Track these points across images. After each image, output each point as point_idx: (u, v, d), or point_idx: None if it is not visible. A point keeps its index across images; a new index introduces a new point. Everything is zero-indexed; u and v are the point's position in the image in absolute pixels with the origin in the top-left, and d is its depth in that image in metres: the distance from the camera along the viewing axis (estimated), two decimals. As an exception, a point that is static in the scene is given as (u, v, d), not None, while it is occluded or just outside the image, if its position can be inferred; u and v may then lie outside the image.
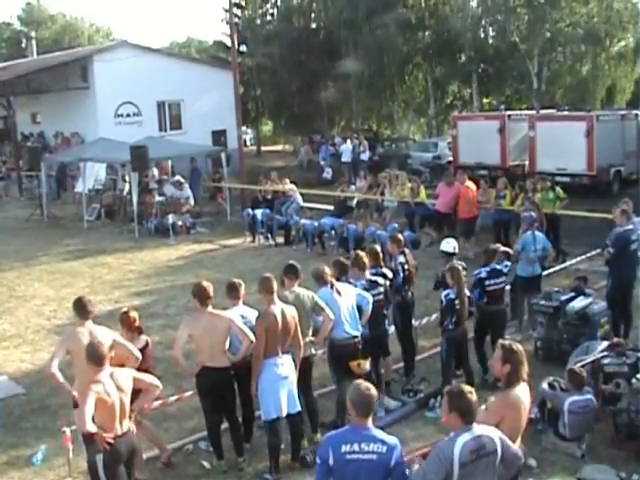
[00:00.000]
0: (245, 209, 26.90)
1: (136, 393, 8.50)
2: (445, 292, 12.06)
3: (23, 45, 71.03)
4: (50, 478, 10.33)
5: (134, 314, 10.26)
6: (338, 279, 11.54)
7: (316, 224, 23.57)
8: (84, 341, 9.07)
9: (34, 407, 12.75)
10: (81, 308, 9.66)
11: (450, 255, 13.46)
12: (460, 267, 12.28)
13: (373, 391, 6.72)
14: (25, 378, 14.05)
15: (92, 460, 8.68)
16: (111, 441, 7.94)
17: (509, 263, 13.96)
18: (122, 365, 8.86)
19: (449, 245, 13.65)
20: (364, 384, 6.83)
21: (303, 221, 24.36)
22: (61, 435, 9.86)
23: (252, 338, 9.81)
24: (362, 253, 12.23)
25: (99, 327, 9.61)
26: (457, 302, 11.85)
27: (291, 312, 10.00)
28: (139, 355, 9.47)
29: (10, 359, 15.13)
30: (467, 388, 6.48)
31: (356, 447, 6.52)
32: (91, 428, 7.75)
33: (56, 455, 10.56)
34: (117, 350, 9.25)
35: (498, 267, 13.26)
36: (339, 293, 10.99)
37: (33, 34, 64.53)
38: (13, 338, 16.46)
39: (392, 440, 6.64)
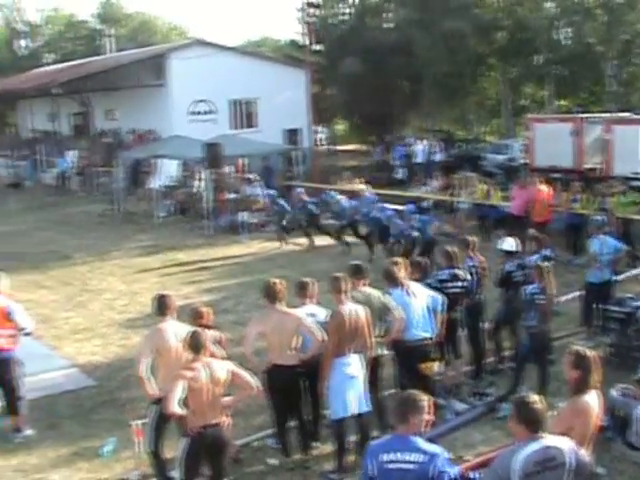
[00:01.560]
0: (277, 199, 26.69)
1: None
2: (530, 287, 12.06)
3: (100, 43, 71.92)
4: (117, 470, 10.42)
5: (204, 310, 10.32)
6: (418, 280, 11.52)
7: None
8: (169, 337, 9.21)
9: (104, 400, 12.92)
10: (162, 305, 9.78)
11: (510, 254, 13.63)
12: (548, 266, 12.31)
13: (412, 397, 6.64)
14: (96, 371, 14.25)
15: (152, 451, 8.92)
16: (198, 429, 8.16)
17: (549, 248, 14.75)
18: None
19: (507, 244, 13.80)
20: (407, 392, 6.83)
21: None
22: (130, 428, 9.96)
23: (322, 337, 9.82)
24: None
25: (181, 324, 9.71)
26: (540, 297, 11.80)
27: (361, 312, 9.98)
28: (223, 354, 9.61)
29: (82, 352, 15.35)
30: (533, 397, 6.34)
31: (396, 456, 6.45)
32: (176, 409, 8.00)
33: (124, 448, 10.63)
34: None
35: (546, 253, 14.23)
36: (411, 294, 10.91)
37: (110, 32, 65.32)
38: (85, 331, 16.70)
39: (433, 449, 6.54)
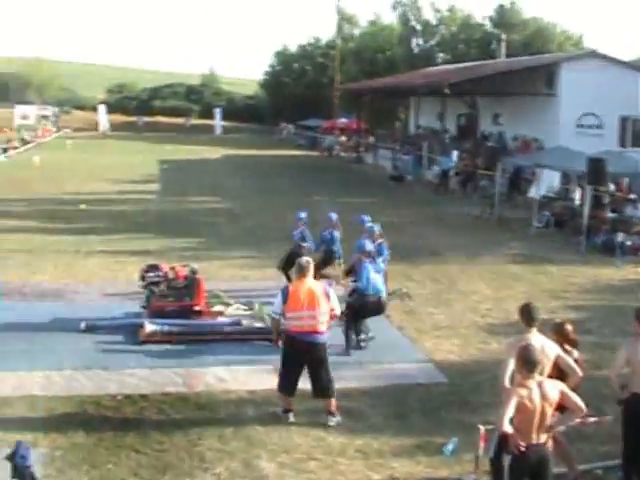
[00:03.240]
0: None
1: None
2: None
3: (493, 46, 72.55)
4: (455, 470, 10.45)
5: (569, 327, 10.11)
6: None
7: None
8: None
9: (453, 399, 12.98)
10: (528, 314, 9.63)
11: None
12: None
13: None
14: (449, 369, 14.37)
15: (495, 458, 9.08)
16: (523, 447, 7.98)
17: None
18: (559, 378, 8.76)
19: None
20: None
21: None
22: (475, 431, 9.92)
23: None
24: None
25: (544, 337, 9.56)
26: None
27: None
28: (580, 373, 9.37)
29: (439, 348, 15.55)
30: None
31: None
32: (507, 429, 7.88)
33: (466, 450, 10.62)
34: (559, 364, 9.18)
35: None
36: None
37: (503, 36, 65.69)
38: (446, 329, 16.90)
39: None
